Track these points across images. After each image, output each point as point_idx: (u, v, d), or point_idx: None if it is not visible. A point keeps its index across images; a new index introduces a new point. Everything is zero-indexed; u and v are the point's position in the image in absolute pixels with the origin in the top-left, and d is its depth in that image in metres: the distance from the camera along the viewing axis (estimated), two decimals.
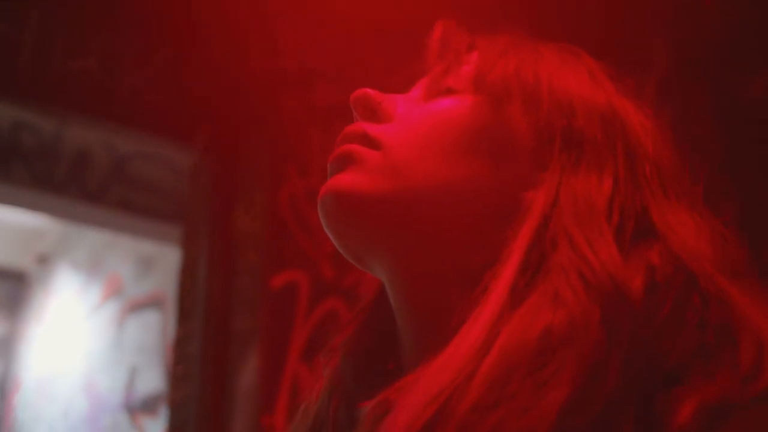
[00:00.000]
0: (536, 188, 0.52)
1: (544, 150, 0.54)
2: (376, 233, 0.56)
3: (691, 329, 0.44)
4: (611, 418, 0.40)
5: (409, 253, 0.56)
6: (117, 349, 3.65)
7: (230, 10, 2.39)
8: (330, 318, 2.14)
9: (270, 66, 2.42)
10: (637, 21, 1.97)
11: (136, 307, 3.61)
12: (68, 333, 4.12)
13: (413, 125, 0.57)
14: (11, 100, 2.20)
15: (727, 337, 0.43)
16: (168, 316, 3.27)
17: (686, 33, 1.86)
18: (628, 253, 0.48)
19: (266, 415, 2.02)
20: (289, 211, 2.26)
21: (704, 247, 0.49)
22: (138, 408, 3.38)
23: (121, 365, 3.56)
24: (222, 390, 2.11)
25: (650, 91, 1.82)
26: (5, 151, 2.46)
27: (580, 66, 0.60)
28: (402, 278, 0.57)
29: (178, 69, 2.37)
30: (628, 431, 0.41)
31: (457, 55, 0.61)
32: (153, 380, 3.31)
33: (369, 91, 0.60)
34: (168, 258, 3.07)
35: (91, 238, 4.01)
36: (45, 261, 4.63)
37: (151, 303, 3.50)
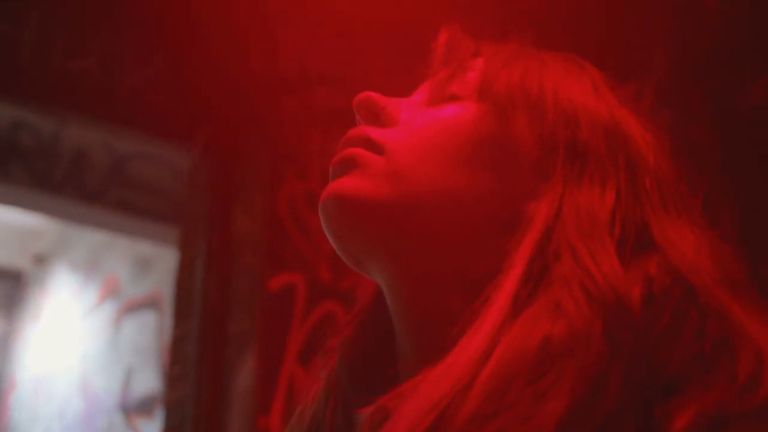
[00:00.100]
0: (538, 198, 0.52)
1: (547, 160, 0.54)
2: (377, 238, 0.55)
3: (690, 341, 0.44)
4: (611, 429, 0.40)
5: (410, 259, 0.55)
6: (113, 350, 3.64)
7: (230, 11, 2.39)
8: (327, 321, 2.14)
9: (270, 67, 2.42)
10: (637, 26, 1.97)
11: (133, 307, 3.61)
12: (65, 333, 4.12)
13: (417, 131, 0.57)
14: (11, 100, 2.20)
15: (725, 349, 0.43)
16: (165, 317, 3.27)
17: (686, 38, 1.87)
18: (628, 265, 0.48)
19: (262, 416, 2.02)
20: (288, 213, 2.26)
21: (704, 261, 0.49)
22: (134, 409, 3.38)
23: (118, 366, 3.56)
24: (218, 391, 2.10)
25: (649, 95, 1.82)
26: (4, 150, 2.46)
27: (584, 76, 0.60)
28: (402, 284, 0.56)
29: (177, 70, 2.37)
30: None
31: (462, 62, 0.61)
32: (149, 381, 3.30)
33: (373, 94, 0.60)
34: (165, 259, 3.07)
35: (89, 239, 4.01)
36: (42, 261, 4.63)
37: (148, 304, 3.49)
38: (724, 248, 0.52)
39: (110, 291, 3.83)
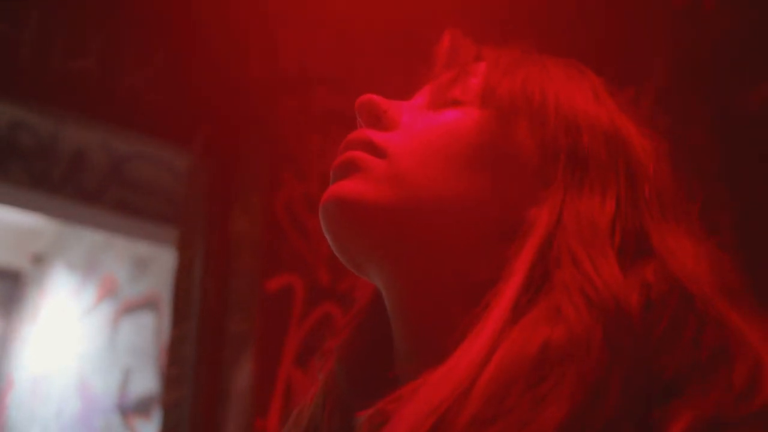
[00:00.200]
0: (539, 205, 0.52)
1: (548, 167, 0.54)
2: (378, 242, 0.55)
3: (687, 347, 0.44)
4: None
5: (410, 263, 0.55)
6: (111, 350, 3.64)
7: (230, 13, 2.39)
8: (325, 322, 2.14)
9: (269, 69, 2.42)
10: (637, 31, 1.97)
11: (131, 308, 3.61)
12: (62, 333, 4.12)
13: (419, 135, 0.57)
14: (10, 100, 2.20)
15: (722, 357, 0.43)
16: (163, 318, 3.27)
17: (685, 43, 1.87)
18: (627, 272, 0.48)
19: (260, 418, 2.02)
20: (286, 215, 2.26)
21: (702, 269, 0.50)
22: (131, 409, 3.37)
23: (115, 366, 3.56)
24: (216, 393, 2.10)
25: (649, 99, 1.82)
26: (3, 150, 2.45)
27: (585, 83, 0.60)
28: (401, 287, 0.56)
29: (177, 70, 2.37)
30: None
31: (464, 66, 0.61)
32: (147, 382, 3.30)
33: (374, 97, 0.60)
34: (163, 259, 3.07)
35: (87, 239, 4.01)
36: (40, 261, 4.63)
37: (146, 304, 3.49)
38: (722, 257, 0.52)
39: (108, 291, 3.83)
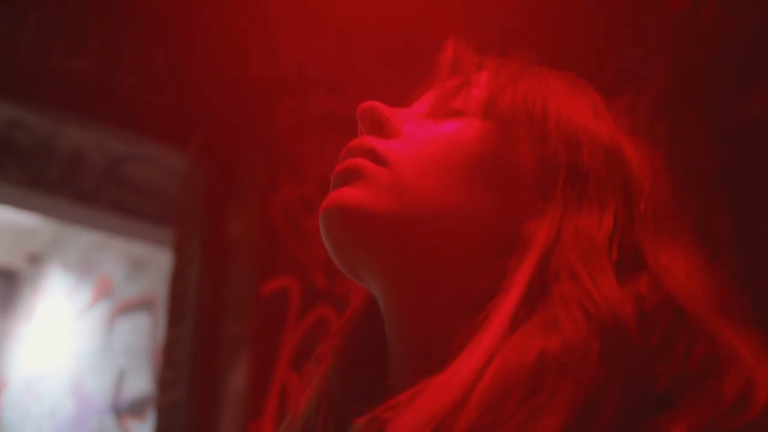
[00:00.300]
0: (538, 219, 0.52)
1: (548, 181, 0.54)
2: (377, 250, 0.55)
3: (679, 360, 0.44)
4: None
5: (409, 272, 0.55)
6: (106, 351, 3.64)
7: (230, 15, 2.40)
8: (320, 325, 2.13)
9: (268, 72, 2.42)
10: (635, 36, 1.98)
11: (127, 309, 3.60)
12: (57, 333, 4.11)
13: (421, 145, 0.57)
14: (8, 99, 2.20)
15: (715, 370, 0.44)
16: (158, 319, 3.26)
17: (683, 51, 1.87)
18: (622, 286, 0.48)
19: (254, 421, 2.02)
20: (282, 218, 2.26)
21: (695, 285, 0.50)
22: (125, 410, 3.37)
23: (110, 367, 3.55)
24: (210, 395, 2.10)
25: (647, 107, 1.83)
26: (0, 149, 2.45)
27: (585, 98, 0.61)
28: (399, 296, 0.56)
29: (175, 72, 2.37)
30: None
31: (467, 77, 0.61)
32: (141, 383, 3.29)
33: (377, 104, 0.60)
34: (159, 260, 3.06)
35: (84, 239, 4.00)
36: (36, 260, 4.62)
37: (142, 305, 3.49)
38: (715, 273, 0.53)
39: (104, 292, 3.82)
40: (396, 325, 0.57)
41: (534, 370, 0.43)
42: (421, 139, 0.58)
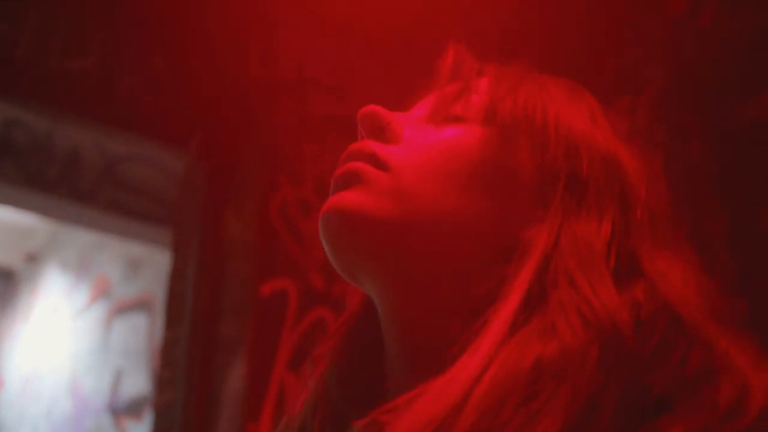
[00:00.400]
0: (537, 225, 0.53)
1: (547, 189, 0.55)
2: (377, 255, 0.55)
3: (676, 366, 0.45)
4: None
5: (408, 277, 0.56)
6: (103, 351, 3.63)
7: (230, 17, 2.40)
8: (318, 327, 2.13)
9: (268, 73, 2.42)
10: (634, 43, 1.98)
11: (124, 309, 3.60)
12: (54, 333, 4.10)
13: (422, 150, 0.57)
14: (7, 99, 2.20)
15: (710, 376, 0.44)
16: (155, 320, 3.26)
17: (682, 56, 1.87)
18: (620, 293, 0.49)
19: (251, 422, 2.01)
20: (280, 219, 2.26)
21: (691, 293, 0.51)
22: (122, 411, 3.36)
23: (107, 367, 3.55)
24: (208, 396, 2.10)
25: (645, 111, 1.83)
26: None
27: (583, 105, 0.61)
28: (398, 300, 0.57)
29: (175, 72, 2.36)
30: None
31: (467, 82, 0.61)
32: (138, 383, 3.29)
33: (378, 109, 0.60)
34: (157, 260, 3.06)
35: (81, 239, 4.00)
36: (34, 260, 4.61)
37: (139, 305, 3.48)
38: (710, 282, 0.53)
39: (101, 291, 3.82)
40: (394, 328, 0.57)
41: (532, 375, 0.44)
42: (421, 145, 0.58)
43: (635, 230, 0.54)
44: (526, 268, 0.50)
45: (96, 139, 2.50)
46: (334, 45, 2.46)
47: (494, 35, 1.94)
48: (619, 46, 1.99)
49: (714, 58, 1.82)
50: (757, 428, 0.42)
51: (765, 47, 1.72)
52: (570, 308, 0.47)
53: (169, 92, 2.34)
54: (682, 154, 1.71)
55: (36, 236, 4.49)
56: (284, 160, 2.33)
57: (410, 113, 0.63)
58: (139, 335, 3.41)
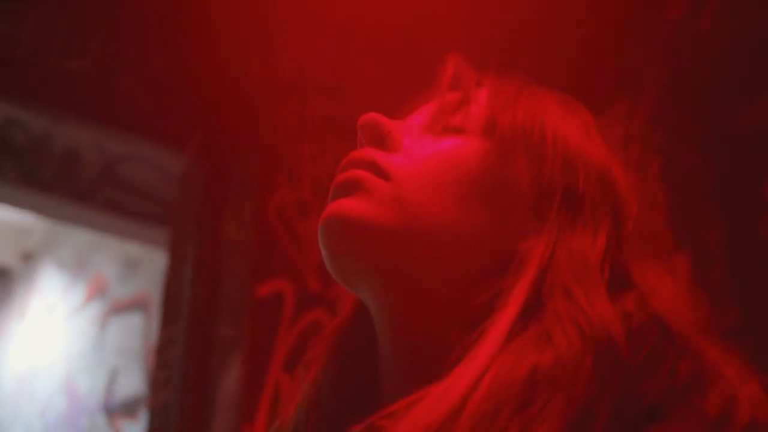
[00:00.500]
0: (533, 239, 0.54)
1: (544, 203, 0.56)
2: (376, 263, 0.56)
3: (666, 378, 0.45)
4: None
5: (406, 285, 0.56)
6: (98, 350, 3.63)
7: (230, 18, 2.40)
8: (314, 329, 2.13)
9: (266, 75, 2.42)
10: (633, 45, 1.98)
11: (120, 308, 3.59)
12: (50, 332, 4.10)
13: (422, 160, 0.58)
14: (7, 99, 2.19)
15: (699, 386, 0.45)
16: (151, 320, 3.26)
17: (680, 61, 1.88)
18: (613, 306, 0.50)
19: (247, 423, 2.01)
20: (278, 221, 2.26)
21: (680, 305, 0.52)
22: (117, 410, 3.36)
23: (102, 367, 3.54)
24: (203, 397, 2.09)
25: (644, 114, 1.83)
26: None
27: (579, 120, 0.62)
28: (395, 308, 0.57)
29: (174, 73, 2.36)
30: None
31: (466, 92, 0.62)
32: (133, 383, 3.29)
33: (378, 117, 0.61)
34: (154, 260, 3.06)
35: (78, 238, 3.99)
36: (30, 258, 4.61)
37: (135, 305, 3.48)
38: (699, 296, 0.54)
39: (97, 291, 3.81)
40: (389, 335, 0.58)
41: (528, 383, 0.44)
42: (422, 155, 0.58)
43: (626, 243, 0.56)
44: (523, 280, 0.51)
45: (95, 139, 2.50)
46: (334, 46, 2.46)
47: (494, 38, 1.94)
48: (619, 48, 1.99)
49: (713, 61, 1.82)
50: None
51: (763, 54, 1.73)
52: (566, 319, 0.48)
53: (168, 93, 2.34)
54: (680, 158, 1.71)
55: (32, 235, 4.48)
56: (282, 162, 2.34)
57: (409, 122, 0.63)
58: (134, 335, 3.40)
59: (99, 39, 2.26)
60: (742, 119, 1.72)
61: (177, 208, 2.40)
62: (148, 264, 3.38)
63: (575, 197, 0.56)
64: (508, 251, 0.53)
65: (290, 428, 0.62)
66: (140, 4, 2.32)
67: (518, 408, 0.43)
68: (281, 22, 2.44)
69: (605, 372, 0.44)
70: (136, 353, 3.34)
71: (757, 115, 1.72)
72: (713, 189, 1.68)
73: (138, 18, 2.32)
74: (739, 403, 0.44)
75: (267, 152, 2.34)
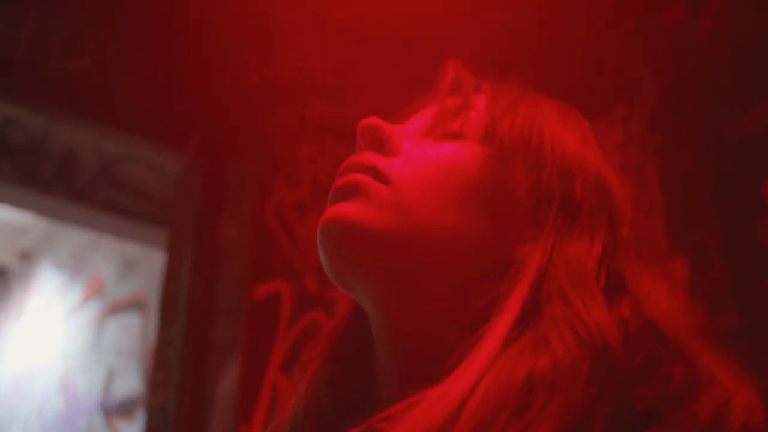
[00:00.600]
0: (531, 244, 0.54)
1: (542, 209, 0.56)
2: (375, 267, 0.56)
3: (661, 383, 0.46)
4: None
5: (404, 290, 0.56)
6: (96, 350, 3.62)
7: (229, 19, 2.40)
8: (312, 330, 2.13)
9: (265, 76, 2.42)
10: (630, 53, 1.98)
11: (117, 308, 3.59)
12: (47, 331, 4.09)
13: (422, 166, 0.58)
14: (6, 99, 2.19)
15: (693, 391, 0.46)
16: (149, 320, 3.25)
17: (678, 66, 1.88)
18: (609, 311, 0.50)
19: (244, 424, 2.01)
20: (276, 222, 2.26)
21: (674, 311, 0.52)
22: (114, 410, 3.36)
23: (100, 367, 3.54)
24: (200, 397, 2.09)
25: (642, 118, 1.83)
26: None
27: (576, 127, 0.62)
28: (392, 311, 0.57)
29: (173, 74, 2.36)
30: None
31: (466, 99, 0.62)
32: (131, 383, 3.28)
33: (378, 121, 0.61)
34: (151, 260, 3.06)
35: (76, 238, 3.99)
36: (28, 258, 4.60)
37: (133, 305, 3.48)
38: (694, 301, 0.55)
39: (95, 291, 3.81)
40: (386, 338, 0.58)
41: (525, 387, 0.45)
42: (421, 160, 0.59)
43: (621, 250, 0.56)
44: (521, 285, 0.52)
45: (93, 139, 2.50)
46: (333, 47, 2.46)
47: (493, 40, 1.94)
48: (618, 49, 1.99)
49: (712, 63, 1.82)
50: None
51: (762, 60, 1.73)
52: (563, 324, 0.48)
53: (168, 93, 2.34)
54: (679, 160, 1.71)
55: (30, 234, 4.48)
56: (282, 162, 2.34)
57: (408, 126, 0.63)
58: (132, 335, 3.40)
59: (98, 39, 2.26)
60: (741, 122, 1.72)
61: (175, 208, 2.40)
62: (146, 264, 3.38)
63: (572, 204, 0.56)
64: (506, 256, 0.54)
65: (287, 429, 0.62)
66: (140, 4, 2.32)
67: (516, 412, 0.43)
68: (281, 22, 2.44)
69: (602, 377, 0.45)
70: (133, 353, 3.34)
71: (755, 118, 1.72)
72: (712, 191, 1.68)
73: (137, 18, 2.32)
74: (733, 409, 0.44)
75: (266, 153, 2.34)
